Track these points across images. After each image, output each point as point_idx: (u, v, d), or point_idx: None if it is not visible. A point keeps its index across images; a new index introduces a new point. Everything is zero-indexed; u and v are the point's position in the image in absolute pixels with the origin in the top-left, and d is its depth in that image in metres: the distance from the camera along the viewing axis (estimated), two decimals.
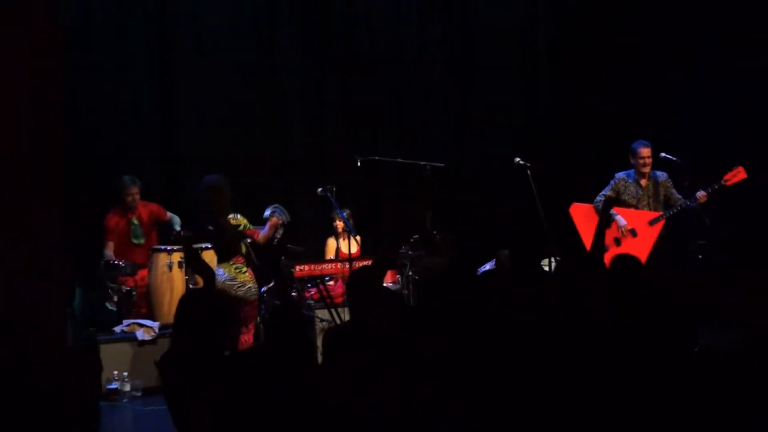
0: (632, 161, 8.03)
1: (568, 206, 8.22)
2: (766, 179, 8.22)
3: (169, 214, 8.53)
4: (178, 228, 8.32)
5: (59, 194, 5.20)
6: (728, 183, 7.70)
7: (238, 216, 7.14)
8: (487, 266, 6.90)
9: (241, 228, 7.13)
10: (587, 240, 8.00)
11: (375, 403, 3.52)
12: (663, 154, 7.95)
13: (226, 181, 7.18)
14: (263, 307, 7.68)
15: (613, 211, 7.93)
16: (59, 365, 4.91)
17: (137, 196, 8.25)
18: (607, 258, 7.70)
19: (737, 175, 7.70)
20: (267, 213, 7.34)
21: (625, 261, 4.50)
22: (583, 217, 8.10)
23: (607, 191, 8.09)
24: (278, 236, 7.27)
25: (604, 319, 3.64)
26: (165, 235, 8.40)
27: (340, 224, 8.62)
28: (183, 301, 4.16)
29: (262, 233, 7.22)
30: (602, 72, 9.90)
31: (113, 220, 8.22)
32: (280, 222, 7.31)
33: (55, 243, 5.15)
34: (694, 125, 9.30)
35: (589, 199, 8.16)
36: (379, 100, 9.98)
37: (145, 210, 8.35)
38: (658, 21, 9.45)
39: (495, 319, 3.76)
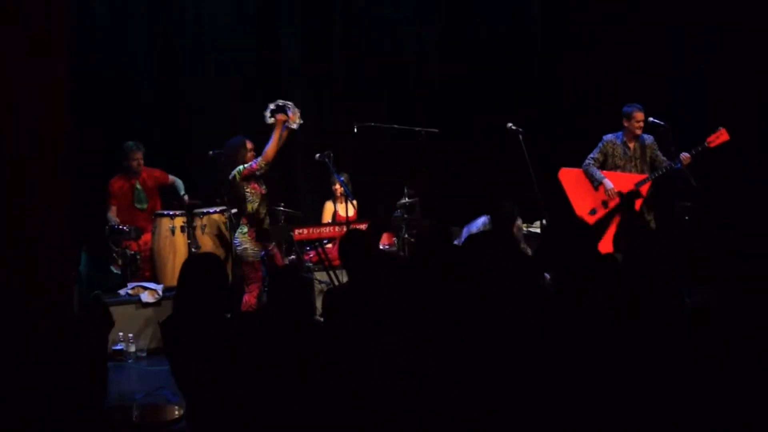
0: (626, 124, 8.09)
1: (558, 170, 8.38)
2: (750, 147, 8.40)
3: (171, 177, 8.66)
4: (182, 191, 8.49)
5: (67, 163, 5.31)
6: (711, 145, 7.82)
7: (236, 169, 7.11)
8: (474, 225, 6.98)
9: (236, 176, 7.07)
10: (576, 203, 8.16)
11: (372, 380, 3.60)
12: (651, 119, 8.08)
13: (243, 142, 7.21)
14: (265, 269, 7.85)
15: (601, 173, 8.10)
16: (68, 328, 5.07)
17: (141, 161, 8.37)
18: (593, 220, 7.96)
19: (720, 137, 7.81)
20: (267, 114, 7.21)
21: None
22: (572, 181, 8.21)
23: (595, 154, 8.19)
24: (291, 127, 7.18)
25: (604, 317, 3.68)
26: (168, 199, 8.57)
27: (338, 188, 8.79)
28: (185, 266, 4.26)
29: (268, 145, 7.08)
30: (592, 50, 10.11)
31: (117, 185, 8.36)
32: (286, 119, 7.19)
33: (62, 209, 5.27)
34: (678, 90, 9.46)
35: (578, 163, 8.33)
36: (376, 77, 10.14)
37: (149, 175, 8.48)
38: None
39: (490, 312, 3.79)
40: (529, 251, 6.71)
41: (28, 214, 5.12)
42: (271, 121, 7.21)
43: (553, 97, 10.46)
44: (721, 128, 7.84)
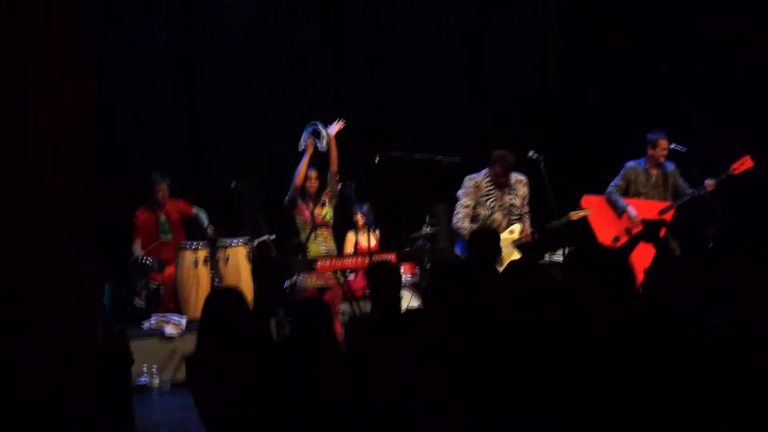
0: (650, 152, 8.07)
1: (580, 197, 8.33)
2: None
3: (195, 208, 8.69)
4: (206, 223, 8.52)
5: (90, 190, 5.32)
6: (736, 172, 7.81)
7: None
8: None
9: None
10: (599, 231, 8.13)
11: (392, 407, 3.60)
12: (673, 145, 8.07)
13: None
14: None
15: (624, 201, 8.07)
16: (91, 359, 5.07)
17: (166, 193, 8.41)
18: (617, 248, 7.89)
19: (744, 163, 7.80)
20: (302, 140, 7.52)
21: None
22: (595, 208, 8.20)
23: (618, 181, 8.18)
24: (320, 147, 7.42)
25: (600, 320, 3.66)
26: (192, 230, 8.60)
27: (360, 219, 8.79)
28: (208, 301, 4.25)
29: (296, 171, 7.42)
30: (608, 64, 10.08)
31: (142, 217, 8.40)
32: (314, 144, 7.43)
33: (88, 238, 5.29)
34: (699, 116, 9.42)
35: (601, 189, 8.30)
36: (393, 96, 10.17)
37: (173, 206, 8.52)
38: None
39: (489, 316, 3.80)
40: None
41: (53, 231, 5.11)
42: (301, 147, 7.45)
43: (573, 122, 10.43)
44: (745, 155, 7.81)
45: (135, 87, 9.18)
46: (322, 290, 7.37)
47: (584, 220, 8.20)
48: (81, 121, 5.23)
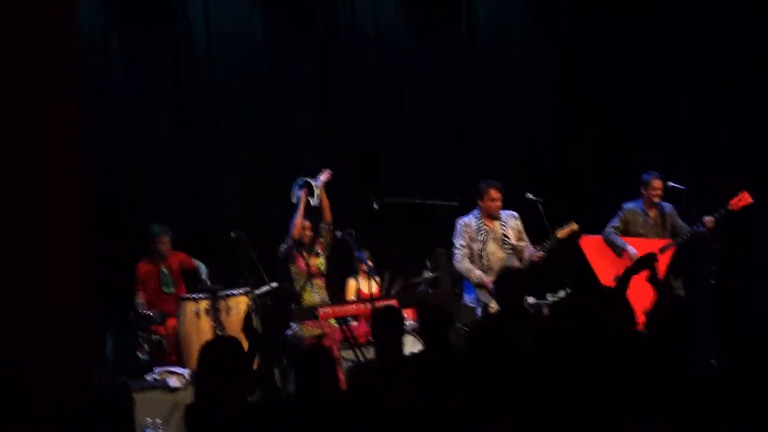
0: (643, 192, 8.13)
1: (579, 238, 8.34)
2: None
3: (195, 261, 8.72)
4: (204, 275, 8.55)
5: (85, 243, 5.32)
6: (734, 208, 7.83)
7: None
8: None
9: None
10: (599, 271, 8.12)
11: None
12: (670, 184, 8.09)
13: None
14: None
15: (623, 240, 8.09)
16: (88, 411, 5.06)
17: (169, 245, 8.46)
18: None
19: (742, 199, 7.80)
20: (293, 192, 7.74)
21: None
22: (593, 248, 8.20)
23: (615, 222, 8.20)
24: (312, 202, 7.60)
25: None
26: (192, 282, 8.60)
27: (364, 266, 8.81)
28: (203, 351, 4.19)
29: (292, 222, 7.59)
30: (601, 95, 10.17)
31: (144, 269, 8.43)
32: (306, 199, 7.62)
33: (81, 293, 5.29)
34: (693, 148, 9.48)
35: (597, 229, 8.32)
36: (387, 143, 10.27)
37: (175, 258, 8.55)
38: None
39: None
40: None
41: (42, 281, 5.11)
42: (294, 200, 7.63)
43: (566, 163, 10.49)
44: (743, 191, 7.82)
45: (126, 137, 9.27)
46: (319, 338, 7.43)
47: (584, 263, 8.21)
48: (72, 173, 5.28)
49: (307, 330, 7.55)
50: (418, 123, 10.39)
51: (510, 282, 5.83)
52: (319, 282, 7.82)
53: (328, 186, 7.85)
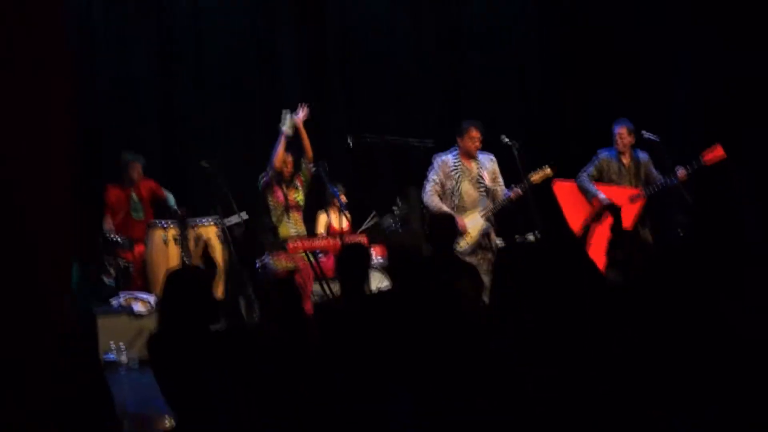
0: (614, 139, 8.15)
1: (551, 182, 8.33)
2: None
3: (165, 191, 8.69)
4: (173, 205, 8.51)
5: (69, 162, 5.26)
6: (707, 161, 7.80)
7: None
8: None
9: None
10: (570, 216, 8.15)
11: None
12: (644, 133, 8.09)
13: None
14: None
15: (595, 187, 8.10)
16: (59, 339, 5.04)
17: (140, 172, 8.43)
18: (589, 234, 7.95)
19: (715, 152, 7.76)
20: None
21: None
22: (565, 194, 8.22)
23: (590, 169, 8.20)
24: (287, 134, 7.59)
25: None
26: (161, 210, 8.58)
27: (334, 200, 8.78)
28: (167, 281, 4.16)
29: (274, 154, 7.58)
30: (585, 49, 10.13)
31: (114, 194, 8.39)
32: (284, 130, 7.60)
33: (63, 211, 5.23)
34: (672, 103, 9.48)
35: (572, 173, 8.32)
36: (367, 81, 10.20)
37: (145, 186, 8.52)
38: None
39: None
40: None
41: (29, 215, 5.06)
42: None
43: (546, 106, 10.46)
44: (717, 144, 7.80)
45: (107, 66, 9.17)
46: (292, 272, 7.40)
47: (555, 207, 8.22)
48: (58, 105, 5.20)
49: (280, 263, 7.53)
50: (402, 60, 10.32)
51: (441, 226, 5.91)
52: (296, 215, 7.82)
53: (306, 122, 7.78)
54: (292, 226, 7.73)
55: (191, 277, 4.17)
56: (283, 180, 7.76)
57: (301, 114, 7.72)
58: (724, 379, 3.24)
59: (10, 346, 3.94)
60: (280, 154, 7.60)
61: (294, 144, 7.72)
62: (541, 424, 3.28)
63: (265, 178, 7.69)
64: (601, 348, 3.41)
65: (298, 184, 7.83)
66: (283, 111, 7.70)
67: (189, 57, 9.57)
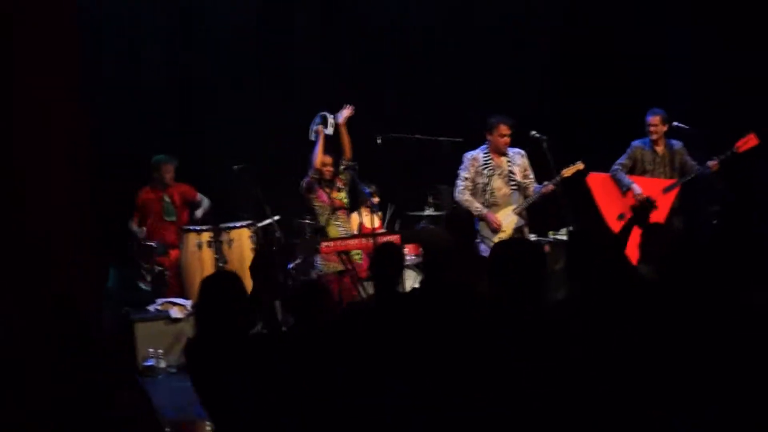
0: (647, 129, 8.12)
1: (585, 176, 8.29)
2: None
3: (199, 195, 8.73)
4: (202, 209, 8.56)
5: (84, 165, 5.28)
6: (740, 150, 7.78)
7: None
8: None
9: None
10: (604, 209, 8.12)
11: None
12: (675, 123, 8.04)
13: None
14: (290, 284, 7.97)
15: (629, 179, 8.07)
16: (96, 344, 5.08)
17: (172, 174, 8.48)
18: (620, 226, 7.90)
19: (749, 141, 7.76)
20: (311, 131, 7.75)
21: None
22: (599, 186, 8.20)
23: (623, 159, 8.19)
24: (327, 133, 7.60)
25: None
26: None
27: (366, 200, 8.79)
28: (203, 285, 4.15)
29: (313, 155, 7.58)
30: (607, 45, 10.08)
31: (144, 196, 8.45)
32: (324, 131, 7.62)
33: (87, 228, 5.27)
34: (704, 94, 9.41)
35: (606, 166, 8.28)
36: (396, 79, 10.20)
37: (177, 189, 8.56)
38: None
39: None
40: None
41: (43, 219, 5.08)
42: (312, 137, 7.68)
43: (575, 99, 10.40)
44: (750, 133, 7.77)
45: (131, 71, 9.24)
46: (341, 273, 7.43)
47: (590, 199, 8.19)
48: (75, 112, 5.24)
49: (329, 267, 7.56)
50: (421, 61, 10.29)
51: (458, 222, 5.92)
52: (343, 215, 7.84)
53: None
54: (340, 226, 7.76)
55: (227, 282, 4.15)
56: (325, 182, 7.78)
57: (345, 113, 7.69)
58: (746, 375, 3.23)
59: (12, 347, 3.98)
60: (319, 155, 7.60)
61: (330, 145, 7.73)
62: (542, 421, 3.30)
63: (306, 180, 7.69)
64: (623, 342, 3.42)
65: (340, 184, 7.84)
66: (322, 113, 7.69)
67: (211, 55, 9.56)
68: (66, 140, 5.13)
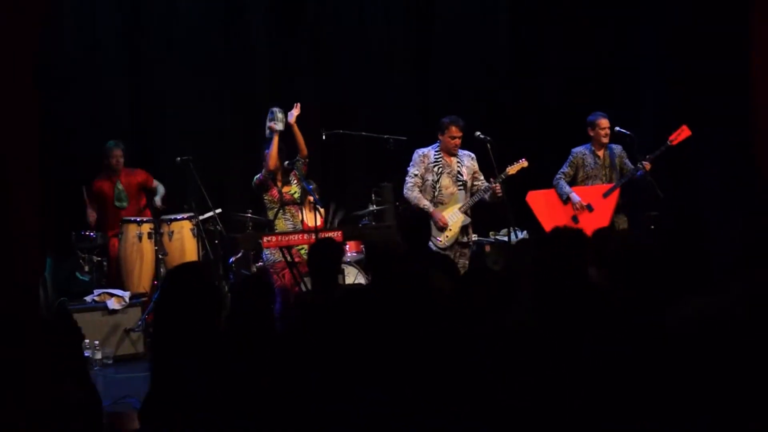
0: (591, 133, 8.14)
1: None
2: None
3: (155, 181, 8.65)
4: (158, 200, 8.48)
5: (37, 159, 5.21)
6: (674, 142, 7.85)
7: None
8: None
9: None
10: (546, 225, 8.11)
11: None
12: (617, 128, 8.12)
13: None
14: (231, 276, 7.93)
15: (569, 187, 8.16)
16: (37, 337, 4.99)
17: (121, 159, 8.37)
18: None
19: (681, 133, 7.82)
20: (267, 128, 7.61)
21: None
22: (541, 203, 8.22)
23: (565, 168, 8.20)
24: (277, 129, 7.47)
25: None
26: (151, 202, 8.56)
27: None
28: (170, 275, 4.09)
29: (267, 155, 7.48)
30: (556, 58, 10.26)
31: (97, 185, 8.35)
32: (275, 127, 7.49)
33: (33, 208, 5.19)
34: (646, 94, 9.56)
35: (546, 182, 8.32)
36: (341, 77, 10.19)
37: (132, 175, 8.47)
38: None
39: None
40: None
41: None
42: (267, 134, 7.56)
43: (520, 101, 10.51)
44: (682, 125, 7.87)
45: (79, 60, 9.13)
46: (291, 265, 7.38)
47: (531, 214, 8.24)
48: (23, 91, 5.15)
49: (276, 254, 7.45)
50: (376, 56, 10.32)
51: (412, 219, 5.95)
52: (293, 210, 7.72)
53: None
54: (288, 221, 7.65)
55: (192, 273, 4.02)
56: (277, 177, 7.69)
57: (295, 112, 7.62)
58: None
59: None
60: (274, 154, 7.49)
61: (285, 142, 7.64)
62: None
63: (259, 178, 7.60)
64: (580, 349, 3.43)
65: (293, 179, 7.74)
66: (275, 109, 7.58)
67: (161, 43, 9.51)
68: (15, 127, 5.04)
